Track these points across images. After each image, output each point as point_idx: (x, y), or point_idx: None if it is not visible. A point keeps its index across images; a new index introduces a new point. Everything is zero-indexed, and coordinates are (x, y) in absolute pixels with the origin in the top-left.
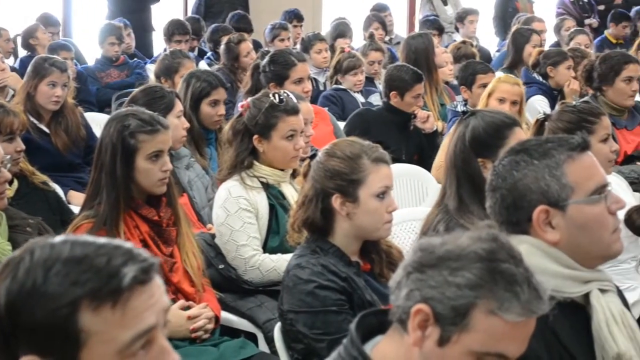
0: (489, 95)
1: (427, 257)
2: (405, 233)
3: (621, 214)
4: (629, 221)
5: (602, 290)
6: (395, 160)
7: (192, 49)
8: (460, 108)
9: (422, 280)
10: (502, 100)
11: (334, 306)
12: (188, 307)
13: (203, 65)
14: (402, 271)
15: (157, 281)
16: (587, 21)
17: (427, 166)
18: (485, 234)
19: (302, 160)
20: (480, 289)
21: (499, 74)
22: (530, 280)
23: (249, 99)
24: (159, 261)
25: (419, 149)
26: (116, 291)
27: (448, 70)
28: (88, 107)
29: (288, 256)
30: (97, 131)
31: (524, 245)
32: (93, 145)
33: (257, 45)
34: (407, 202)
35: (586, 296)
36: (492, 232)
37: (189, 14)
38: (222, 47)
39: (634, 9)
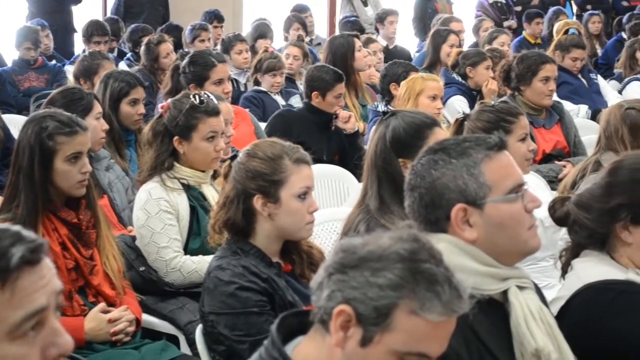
0: (418, 94)
1: (349, 258)
2: (326, 233)
3: (538, 213)
4: (552, 211)
5: (520, 287)
6: (317, 160)
7: (111, 50)
8: (381, 108)
9: (344, 281)
10: (434, 98)
11: (255, 307)
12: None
13: (123, 66)
14: (323, 272)
15: (47, 263)
16: (505, 23)
17: (349, 166)
18: (406, 235)
19: (223, 161)
20: (402, 290)
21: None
22: (450, 279)
23: (169, 100)
24: (47, 242)
25: (340, 150)
26: (4, 271)
27: (370, 72)
28: (6, 109)
29: (209, 258)
30: (15, 133)
31: (442, 243)
32: (11, 148)
33: (177, 46)
34: (329, 202)
35: (505, 293)
36: (412, 232)
37: (109, 14)
38: (142, 48)
39: (551, 9)
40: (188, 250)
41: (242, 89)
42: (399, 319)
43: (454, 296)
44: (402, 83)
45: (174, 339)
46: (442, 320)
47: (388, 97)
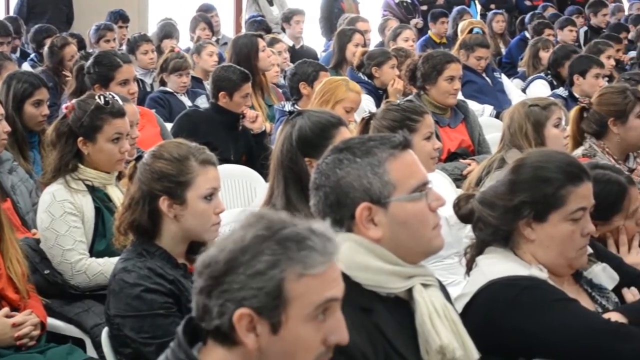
0: (338, 102)
1: (215, 269)
2: None
3: (443, 210)
4: (457, 208)
5: (425, 285)
6: (224, 160)
7: (13, 50)
8: (288, 108)
9: (226, 291)
10: (349, 110)
11: (161, 309)
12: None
13: (26, 67)
14: (200, 296)
15: None
16: (412, 22)
17: (256, 166)
18: (250, 218)
19: (128, 162)
20: (280, 264)
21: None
22: (313, 230)
23: (74, 101)
24: None
25: (247, 150)
26: None
27: (274, 72)
28: None
29: (115, 259)
30: None
31: (347, 242)
32: None
33: (81, 45)
34: (236, 202)
35: (410, 291)
36: (253, 213)
37: (12, 14)
38: (45, 50)
39: (455, 8)
40: (94, 252)
41: (148, 89)
42: (291, 289)
43: (324, 241)
44: (325, 82)
45: (80, 343)
46: (327, 267)
47: (296, 97)
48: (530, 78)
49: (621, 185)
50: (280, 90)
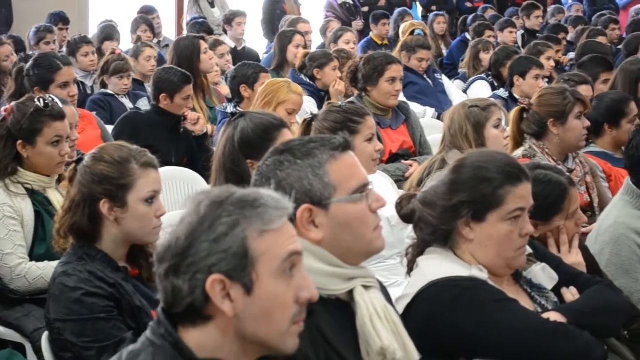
0: (280, 104)
1: (178, 245)
2: None
3: (384, 211)
4: (398, 208)
5: (366, 287)
6: (165, 163)
7: None
8: (230, 110)
9: (193, 263)
10: (291, 112)
11: (102, 313)
12: None
13: None
14: (166, 281)
15: None
16: (354, 23)
17: (198, 168)
18: (198, 195)
19: (68, 165)
20: (239, 223)
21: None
22: (259, 191)
23: (13, 103)
24: None
25: (189, 152)
26: None
27: (215, 74)
28: None
29: (55, 263)
30: None
31: None
32: None
33: (21, 47)
34: (177, 205)
35: (350, 293)
36: (198, 192)
37: None
38: None
39: (397, 10)
40: (34, 256)
41: (89, 91)
42: (256, 247)
43: (275, 199)
44: (267, 84)
45: (20, 347)
46: (284, 222)
47: (238, 99)
48: (471, 79)
49: (562, 186)
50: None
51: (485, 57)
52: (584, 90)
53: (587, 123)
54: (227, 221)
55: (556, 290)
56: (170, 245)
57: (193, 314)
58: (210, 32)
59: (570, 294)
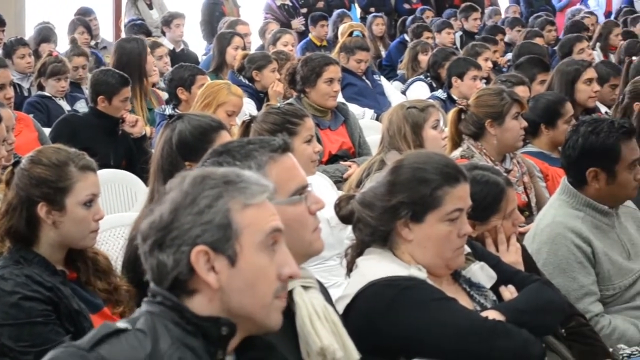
0: (219, 105)
1: (162, 220)
2: (114, 239)
3: (324, 212)
4: (337, 209)
5: (305, 287)
6: (104, 165)
7: None
8: (168, 111)
9: (177, 236)
10: (231, 114)
11: (40, 317)
12: None
13: None
14: (151, 257)
15: None
16: (293, 23)
17: (136, 171)
18: (179, 176)
19: (5, 167)
20: (222, 195)
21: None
22: (239, 170)
23: None
24: None
25: (127, 154)
26: None
27: (154, 74)
28: None
29: None
30: None
31: None
32: None
33: None
34: (116, 207)
35: (290, 293)
36: (178, 175)
37: None
38: None
39: (335, 11)
40: None
41: (26, 94)
42: (239, 219)
43: (256, 177)
44: (206, 85)
45: None
46: (265, 198)
47: (175, 101)
48: (409, 80)
49: (499, 186)
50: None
51: (424, 59)
52: (521, 91)
53: (524, 123)
54: (210, 194)
55: (495, 288)
56: (154, 221)
57: (178, 289)
58: (148, 33)
59: (509, 292)
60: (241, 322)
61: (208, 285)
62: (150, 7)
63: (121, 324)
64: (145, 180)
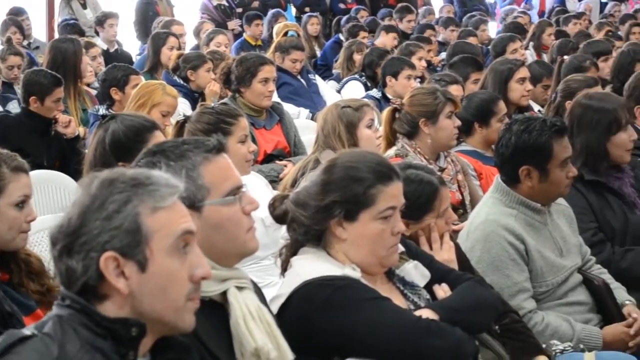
0: (154, 106)
1: (70, 224)
2: (46, 240)
3: (259, 212)
4: (272, 209)
5: (239, 288)
6: (37, 166)
7: None
8: (102, 112)
9: (86, 242)
10: (166, 114)
11: None
12: None
13: None
14: (60, 261)
15: None
16: (230, 24)
17: (70, 172)
18: (88, 178)
19: None
20: (131, 200)
21: (142, 78)
22: (149, 171)
23: None
24: None
25: (61, 155)
26: None
27: (88, 74)
28: None
29: None
30: None
31: None
32: None
33: None
34: (49, 208)
35: (224, 294)
36: (88, 175)
37: None
38: None
39: (270, 11)
40: None
41: None
42: (149, 224)
43: (165, 178)
44: (141, 86)
45: None
46: (175, 200)
47: (109, 102)
48: (344, 79)
49: (433, 185)
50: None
51: (359, 58)
52: (455, 90)
53: (458, 122)
54: (119, 198)
55: (428, 287)
56: (63, 225)
57: (88, 294)
58: (82, 33)
59: (442, 290)
60: (154, 325)
61: (118, 291)
62: (84, 6)
63: (27, 330)
64: (78, 181)
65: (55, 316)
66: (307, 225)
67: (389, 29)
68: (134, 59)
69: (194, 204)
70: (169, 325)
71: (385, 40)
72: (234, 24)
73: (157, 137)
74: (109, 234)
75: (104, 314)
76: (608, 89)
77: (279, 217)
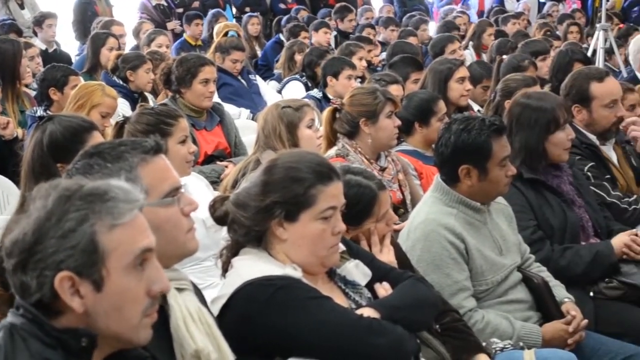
0: (94, 107)
1: (25, 241)
2: None
3: (199, 213)
4: (212, 210)
5: (179, 289)
6: None
7: None
8: (39, 113)
9: (40, 260)
10: (105, 115)
11: None
12: None
13: None
14: (15, 276)
15: None
16: (169, 25)
17: (8, 174)
18: (44, 189)
19: None
20: (88, 218)
21: (81, 79)
22: (110, 183)
23: None
24: None
25: None
26: None
27: (27, 75)
28: None
29: None
30: None
31: None
32: None
33: None
34: None
35: (164, 296)
36: (47, 184)
37: None
38: None
39: (210, 11)
40: None
41: None
42: (106, 242)
43: (125, 191)
44: (80, 87)
45: None
46: (135, 216)
47: (47, 102)
48: (285, 80)
49: (372, 190)
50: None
51: (300, 59)
52: (395, 90)
53: (398, 122)
54: (75, 216)
55: (370, 286)
56: (18, 240)
57: (43, 309)
58: (19, 33)
59: (383, 289)
60: (108, 340)
61: (72, 309)
62: (21, 6)
63: None
64: (17, 183)
65: (8, 324)
66: (248, 226)
67: (318, 26)
68: (72, 60)
69: None
70: (124, 341)
71: (318, 38)
72: (173, 24)
73: (96, 138)
74: (65, 253)
75: (53, 325)
76: (546, 88)
77: (220, 219)
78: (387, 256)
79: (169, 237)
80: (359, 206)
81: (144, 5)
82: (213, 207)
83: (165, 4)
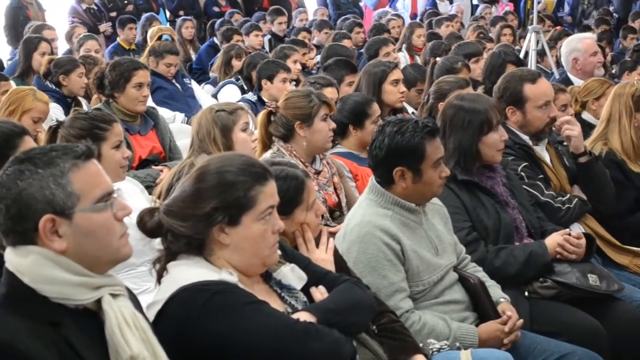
0: (25, 112)
1: None
2: None
3: (134, 218)
4: (141, 223)
5: (114, 295)
6: None
7: None
8: None
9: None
10: (37, 121)
11: None
12: None
13: None
14: None
15: None
16: (101, 28)
17: None
18: None
19: None
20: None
21: (13, 83)
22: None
23: None
24: None
25: None
26: None
27: None
28: None
29: None
30: None
31: (31, 255)
32: None
33: None
34: None
35: (99, 302)
36: None
37: None
38: None
39: (144, 15)
40: None
41: None
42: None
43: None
44: (11, 92)
45: None
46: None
47: None
48: (220, 83)
49: (299, 178)
50: None
51: (238, 64)
52: (329, 93)
53: (333, 125)
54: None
55: (305, 289)
56: None
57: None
58: None
59: (319, 292)
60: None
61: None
62: None
63: None
64: None
65: None
66: (189, 235)
67: (249, 29)
68: (4, 64)
69: (63, 212)
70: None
71: (250, 41)
72: (104, 26)
73: (27, 143)
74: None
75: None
76: (480, 90)
77: (152, 231)
78: (322, 253)
79: (102, 242)
80: (289, 194)
81: (75, 10)
82: (142, 222)
83: (96, 7)
